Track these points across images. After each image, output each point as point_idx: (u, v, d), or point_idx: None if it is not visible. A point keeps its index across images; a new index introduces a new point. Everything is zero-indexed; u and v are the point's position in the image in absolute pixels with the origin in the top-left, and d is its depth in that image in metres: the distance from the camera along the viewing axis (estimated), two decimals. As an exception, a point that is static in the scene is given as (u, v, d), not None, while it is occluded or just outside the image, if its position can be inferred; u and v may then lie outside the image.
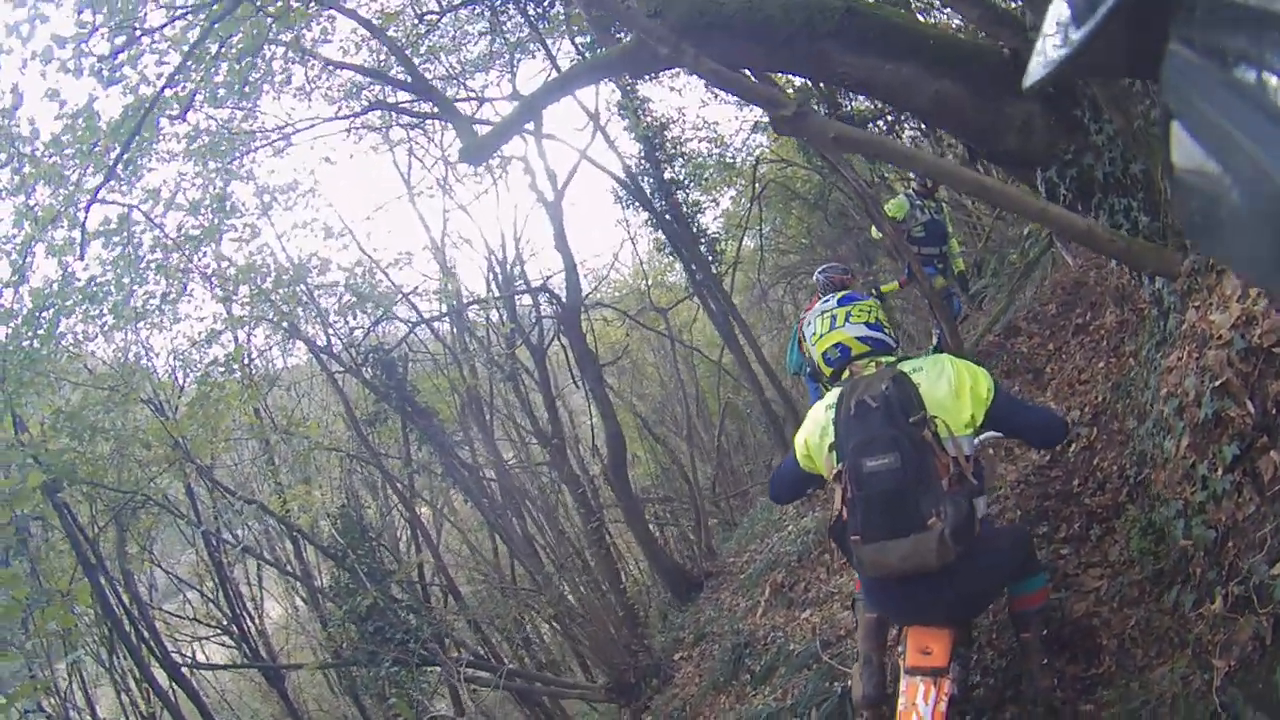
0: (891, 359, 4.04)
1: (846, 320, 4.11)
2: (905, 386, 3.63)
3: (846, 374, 4.04)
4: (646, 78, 14.04)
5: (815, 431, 3.96)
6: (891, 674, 4.30)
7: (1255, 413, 3.55)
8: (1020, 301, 10.78)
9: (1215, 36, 0.68)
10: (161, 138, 9.50)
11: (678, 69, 12.79)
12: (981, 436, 3.97)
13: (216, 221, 10.95)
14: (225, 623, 17.46)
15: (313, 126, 12.44)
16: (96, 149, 7.67)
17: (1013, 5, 6.70)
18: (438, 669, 10.38)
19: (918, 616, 3.79)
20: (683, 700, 8.57)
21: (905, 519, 3.48)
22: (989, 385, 3.80)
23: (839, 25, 5.96)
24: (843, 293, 4.49)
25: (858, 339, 4.05)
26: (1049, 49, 0.88)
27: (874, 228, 10.36)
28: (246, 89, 9.09)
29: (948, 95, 5.87)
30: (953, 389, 3.71)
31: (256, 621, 18.58)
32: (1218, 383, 3.76)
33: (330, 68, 11.98)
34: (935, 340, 10.13)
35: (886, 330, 4.15)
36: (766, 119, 18.35)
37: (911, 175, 10.56)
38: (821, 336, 4.15)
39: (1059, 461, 6.71)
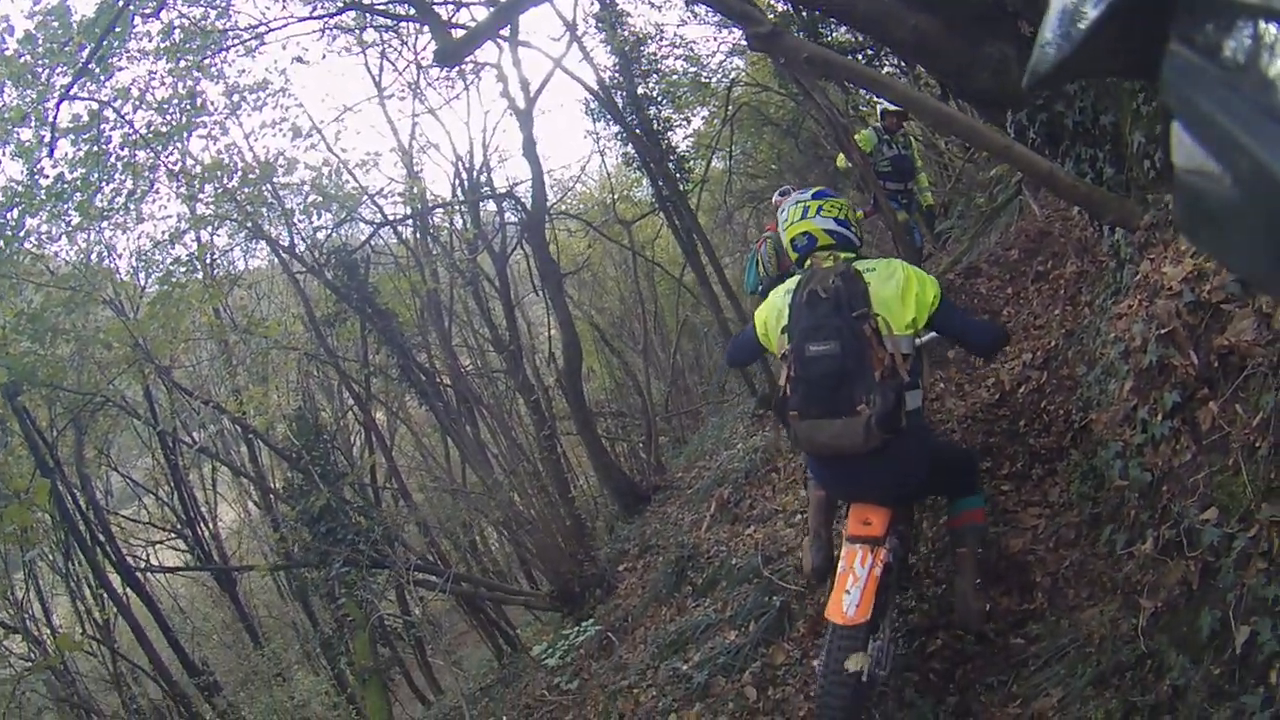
0: (852, 255, 4.30)
1: (818, 213, 4.38)
2: (855, 283, 3.93)
3: (809, 263, 4.32)
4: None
5: (773, 314, 4.31)
6: (838, 548, 4.43)
7: (1198, 364, 3.66)
8: (984, 244, 10.84)
9: (1215, 36, 0.68)
10: (134, 35, 9.28)
11: None
12: (924, 337, 4.36)
13: (185, 119, 10.78)
14: (180, 527, 17.48)
15: (286, 26, 12.14)
16: (68, 46, 7.50)
17: None
18: (386, 571, 10.50)
19: (857, 493, 4.17)
20: (625, 610, 8.74)
21: (838, 402, 3.85)
22: (936, 293, 4.12)
23: None
24: (819, 188, 4.76)
25: (824, 230, 4.33)
26: (1050, 48, 0.88)
27: (841, 156, 10.39)
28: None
29: (926, 29, 5.84)
30: (899, 291, 4.01)
31: (210, 526, 18.68)
32: (1164, 331, 3.86)
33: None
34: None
35: (853, 229, 4.42)
36: (744, 42, 18.19)
37: (879, 111, 10.52)
38: (792, 224, 4.42)
39: (1007, 401, 6.85)
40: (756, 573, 6.75)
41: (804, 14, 13.17)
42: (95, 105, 9.19)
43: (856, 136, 9.85)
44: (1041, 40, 0.90)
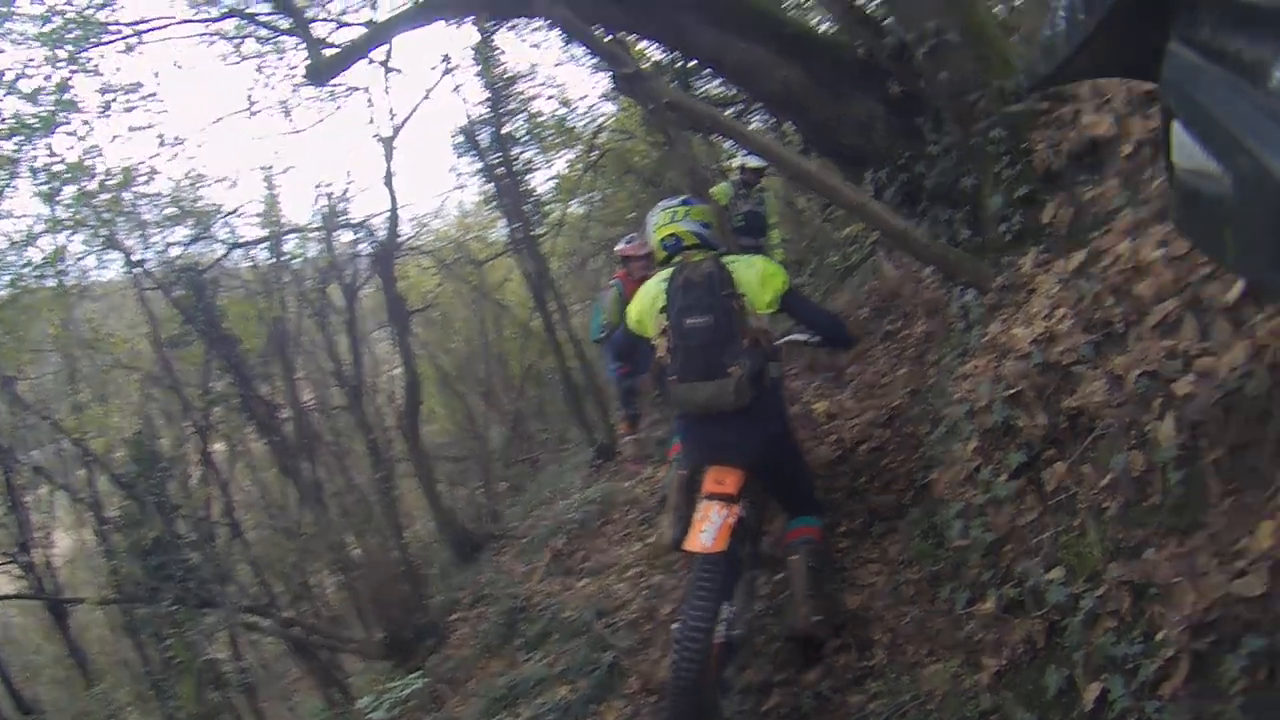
0: (715, 254, 4.91)
1: (685, 217, 4.96)
2: (723, 270, 4.62)
3: (679, 258, 4.87)
4: (506, 24, 13.72)
5: (648, 300, 4.89)
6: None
7: (1046, 424, 3.68)
8: (834, 303, 11.06)
9: (1215, 36, 0.67)
10: (16, 18, 8.67)
11: (536, 18, 12.62)
12: (788, 337, 5.33)
13: (54, 112, 10.18)
14: (14, 551, 16.14)
15: (168, 26, 11.64)
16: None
17: (872, 8, 6.77)
18: (216, 611, 9.92)
19: (719, 453, 4.68)
20: (457, 661, 8.42)
21: (711, 367, 4.49)
22: (784, 280, 4.85)
23: None
24: (685, 196, 5.40)
25: (690, 232, 4.92)
26: (1051, 48, 0.87)
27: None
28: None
29: (795, 83, 5.95)
30: (759, 277, 4.73)
31: (45, 553, 17.28)
32: (1012, 392, 3.89)
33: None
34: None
35: (713, 232, 5.05)
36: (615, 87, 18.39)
37: (738, 167, 10.63)
38: (661, 226, 5.00)
39: (849, 458, 6.88)
40: (588, 627, 6.57)
41: (679, 65, 13.33)
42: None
43: (713, 190, 9.89)
44: (1042, 40, 0.89)
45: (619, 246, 9.47)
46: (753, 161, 10.14)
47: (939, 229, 5.67)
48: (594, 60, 16.63)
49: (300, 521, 14.43)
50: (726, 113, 13.38)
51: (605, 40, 5.65)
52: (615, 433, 10.41)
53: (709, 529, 4.41)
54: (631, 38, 8.36)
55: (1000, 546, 3.79)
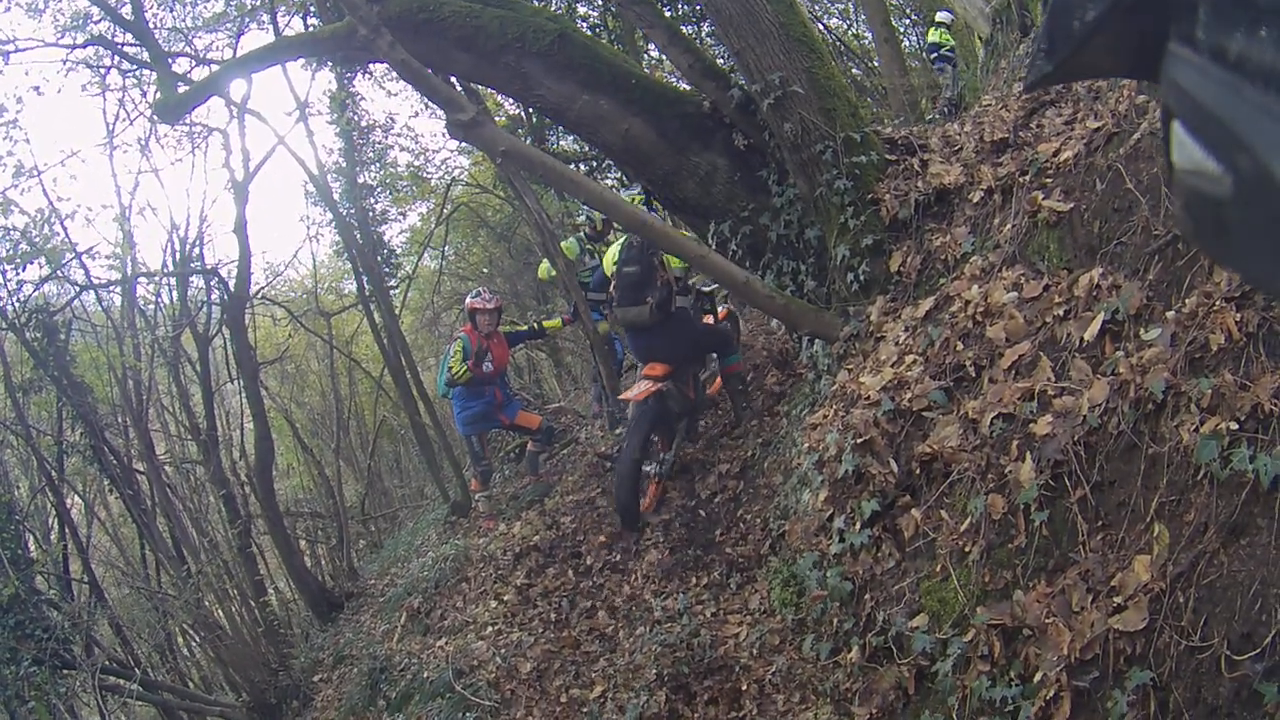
0: None
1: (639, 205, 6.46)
2: (650, 245, 6.48)
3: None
4: (363, 71, 13.46)
5: (611, 252, 7.23)
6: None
7: (898, 471, 3.61)
8: (683, 356, 11.05)
9: (1215, 36, 0.64)
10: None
11: (377, 61, 12.42)
12: (697, 284, 7.67)
13: None
14: None
15: (31, 50, 11.01)
16: None
17: (721, 61, 6.83)
18: (77, 674, 9.10)
19: (649, 354, 7.08)
20: (321, 724, 7.94)
21: (636, 298, 6.82)
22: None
23: (548, 47, 5.93)
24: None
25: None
26: (1050, 49, 0.84)
27: (543, 265, 10.29)
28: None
29: (638, 135, 5.91)
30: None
31: None
32: (861, 440, 3.81)
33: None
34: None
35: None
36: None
37: (584, 221, 10.54)
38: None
39: (704, 508, 6.81)
40: (449, 688, 6.22)
41: (534, 119, 13.24)
42: None
43: (563, 244, 9.79)
44: (1041, 41, 0.84)
45: (469, 300, 9.20)
46: (599, 214, 10.08)
47: (785, 280, 5.68)
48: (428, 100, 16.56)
49: (159, 581, 13.54)
50: (580, 168, 13.47)
51: (439, 84, 5.46)
52: (469, 489, 10.07)
53: (637, 390, 6.88)
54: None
55: (860, 595, 3.68)
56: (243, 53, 10.60)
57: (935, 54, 13.32)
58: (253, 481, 12.06)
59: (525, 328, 10.36)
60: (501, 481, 10.10)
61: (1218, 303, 2.50)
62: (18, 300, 11.50)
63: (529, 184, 9.95)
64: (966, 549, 3.01)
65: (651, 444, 7.08)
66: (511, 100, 8.26)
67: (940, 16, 13.64)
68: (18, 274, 11.66)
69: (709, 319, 8.04)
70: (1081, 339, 2.92)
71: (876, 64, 14.94)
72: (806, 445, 4.46)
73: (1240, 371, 2.37)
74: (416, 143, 17.52)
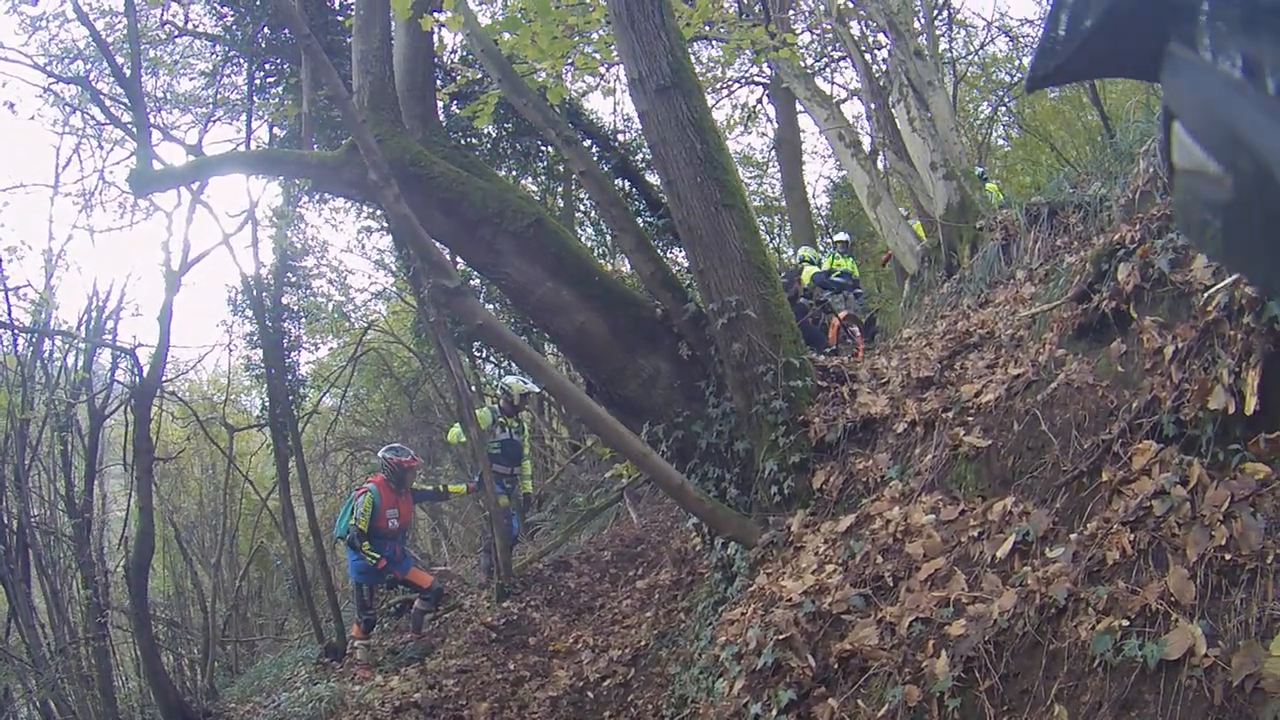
0: None
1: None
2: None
3: None
4: (313, 196, 14.04)
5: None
6: None
7: (816, 665, 4.18)
8: (576, 542, 11.52)
9: (1215, 36, 0.70)
10: None
11: (362, 202, 13.04)
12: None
13: None
14: None
15: (18, 62, 11.36)
16: None
17: (682, 275, 7.58)
18: None
19: None
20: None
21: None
22: None
23: (524, 229, 6.56)
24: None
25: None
26: (1050, 50, 0.89)
27: (455, 430, 10.67)
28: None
29: (592, 330, 6.51)
30: None
31: None
32: (783, 636, 4.37)
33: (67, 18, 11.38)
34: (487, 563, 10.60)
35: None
36: (392, 287, 19.06)
37: (500, 393, 11.06)
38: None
39: (594, 689, 7.15)
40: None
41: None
42: None
43: (477, 413, 10.22)
44: (1041, 42, 0.90)
45: (394, 456, 9.56)
46: (522, 386, 10.62)
47: (709, 486, 6.24)
48: (380, 255, 17.21)
49: (7, 639, 12.77)
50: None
51: (436, 247, 5.93)
52: (348, 634, 10.09)
53: None
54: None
55: (772, 780, 4.14)
56: (225, 152, 11.17)
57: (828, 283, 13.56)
58: (127, 574, 11.73)
59: (431, 488, 10.68)
60: (380, 634, 10.18)
61: (1115, 525, 3.22)
62: None
63: (455, 349, 10.53)
64: (882, 733, 3.58)
65: None
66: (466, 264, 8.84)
67: (839, 237, 14.57)
68: None
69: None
70: (994, 556, 3.61)
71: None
72: (724, 639, 4.95)
73: (1132, 580, 3.06)
74: (341, 277, 18.00)
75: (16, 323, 12.40)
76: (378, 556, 9.15)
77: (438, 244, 6.19)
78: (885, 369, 6.02)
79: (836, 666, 4.06)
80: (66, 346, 13.58)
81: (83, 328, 13.45)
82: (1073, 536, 3.41)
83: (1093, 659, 2.94)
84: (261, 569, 19.00)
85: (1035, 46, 0.92)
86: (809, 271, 12.70)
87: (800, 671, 4.21)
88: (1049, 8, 0.90)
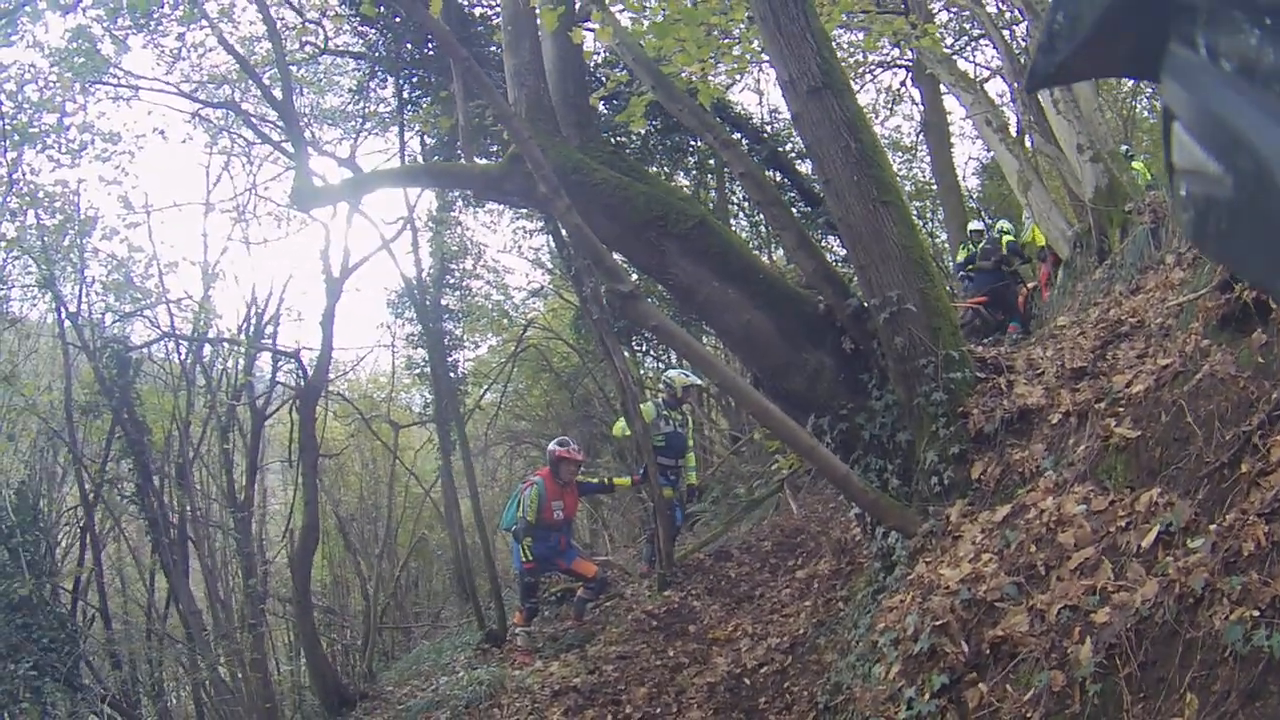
0: None
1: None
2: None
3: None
4: (465, 200, 14.76)
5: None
6: None
7: (968, 651, 4.38)
8: (736, 532, 11.82)
9: (1215, 36, 0.70)
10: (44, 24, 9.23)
11: (523, 208, 13.67)
12: None
13: (42, 129, 10.59)
14: None
15: (166, 91, 12.40)
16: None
17: (843, 268, 7.71)
18: (74, 692, 9.59)
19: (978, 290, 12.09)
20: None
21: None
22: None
23: (689, 231, 6.83)
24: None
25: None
26: (1051, 49, 0.91)
27: (620, 424, 11.13)
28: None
29: (758, 327, 6.72)
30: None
31: None
32: (938, 623, 4.59)
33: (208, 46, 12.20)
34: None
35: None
36: (549, 285, 19.80)
37: (663, 386, 11.37)
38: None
39: (751, 676, 7.43)
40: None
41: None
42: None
43: (641, 407, 10.58)
44: (1041, 41, 0.92)
45: (558, 448, 10.02)
46: (684, 379, 10.97)
47: (871, 476, 6.41)
48: (536, 254, 17.92)
49: (165, 624, 13.97)
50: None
51: (608, 253, 6.27)
52: (509, 621, 10.67)
53: None
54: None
55: (923, 758, 4.37)
56: (386, 168, 11.89)
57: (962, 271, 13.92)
58: (290, 563, 12.67)
59: (596, 481, 11.15)
60: (541, 621, 10.73)
61: (1251, 518, 3.36)
62: (92, 324, 12.54)
63: (619, 344, 10.94)
64: (1028, 715, 3.75)
65: None
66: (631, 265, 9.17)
67: (974, 225, 14.43)
68: (105, 302, 12.79)
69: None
70: (1139, 546, 3.76)
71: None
72: (882, 625, 5.19)
73: (1265, 571, 3.19)
74: (498, 277, 18.81)
75: (178, 331, 13.49)
76: (531, 557, 9.66)
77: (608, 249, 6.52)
78: (1040, 359, 6.11)
79: (988, 652, 4.26)
80: (228, 352, 14.64)
81: (243, 334, 14.51)
82: (1212, 527, 3.54)
83: (1224, 649, 3.09)
84: (420, 559, 19.98)
85: (1036, 45, 0.95)
86: (1007, 241, 12.91)
87: (954, 657, 4.43)
88: (1050, 7, 0.92)
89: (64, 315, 12.26)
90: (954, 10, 16.59)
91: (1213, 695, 3.05)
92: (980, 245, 13.05)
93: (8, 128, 10.12)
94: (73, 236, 11.70)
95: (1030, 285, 12.80)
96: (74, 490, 14.65)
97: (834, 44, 7.64)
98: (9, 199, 11.05)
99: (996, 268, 12.48)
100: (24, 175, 11.19)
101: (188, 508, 12.61)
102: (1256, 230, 0.69)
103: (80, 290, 12.42)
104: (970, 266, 13.31)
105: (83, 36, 9.98)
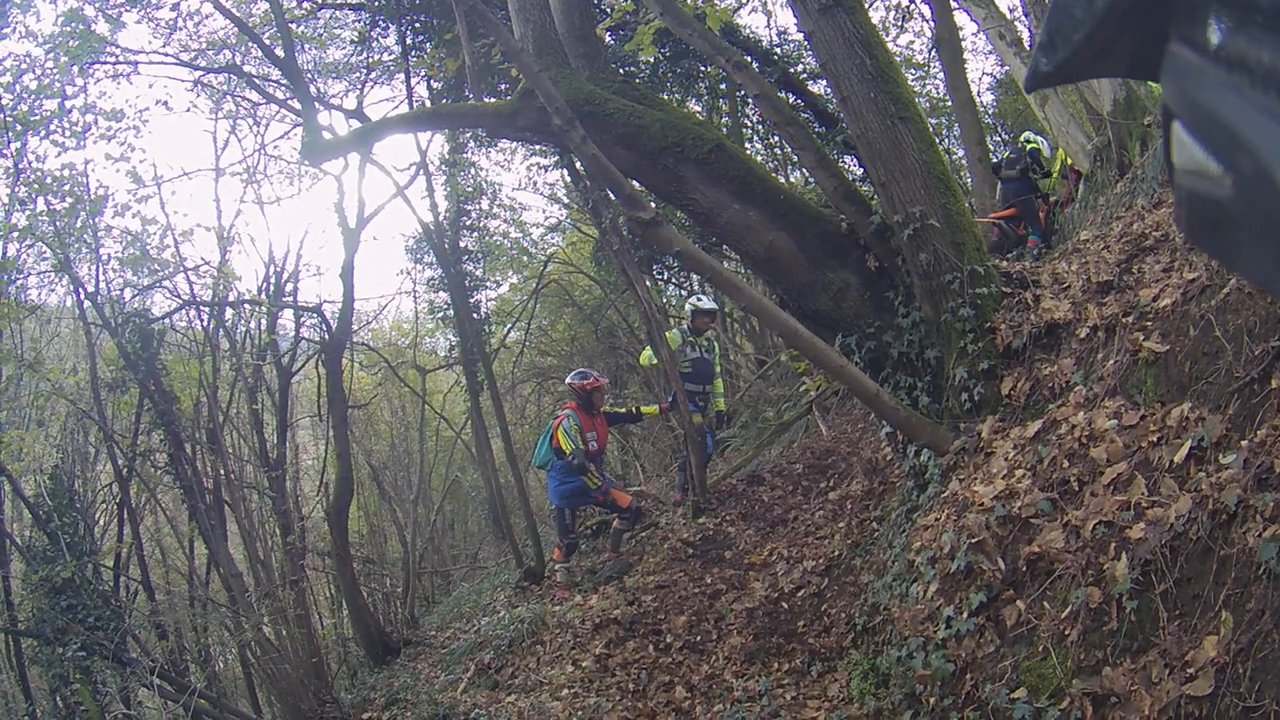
0: None
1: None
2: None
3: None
4: (476, 140, 14.68)
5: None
6: None
7: (1005, 569, 4.43)
8: (767, 456, 11.89)
9: (1215, 36, 0.70)
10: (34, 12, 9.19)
11: (537, 144, 13.55)
12: None
13: (43, 115, 10.63)
14: None
15: (165, 63, 12.35)
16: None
17: (863, 187, 7.63)
18: (123, 667, 9.86)
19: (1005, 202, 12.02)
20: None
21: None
22: None
23: (706, 155, 6.79)
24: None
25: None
26: (1051, 49, 0.91)
27: (645, 353, 11.12)
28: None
29: (780, 248, 6.72)
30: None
31: None
32: (974, 540, 4.63)
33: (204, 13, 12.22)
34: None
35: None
36: (566, 219, 19.79)
37: (687, 313, 11.38)
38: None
39: (789, 600, 7.54)
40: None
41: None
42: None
43: (666, 334, 10.60)
44: (1041, 40, 0.92)
45: (580, 380, 10.08)
46: (705, 304, 10.98)
47: (901, 395, 6.44)
48: (551, 190, 17.86)
49: (207, 589, 14.29)
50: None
51: (627, 181, 6.22)
52: (547, 558, 10.83)
53: None
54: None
55: (961, 675, 4.44)
56: (395, 114, 11.81)
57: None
58: (327, 516, 12.89)
59: (624, 410, 11.22)
60: (578, 555, 10.89)
61: None
62: (111, 301, 12.62)
63: (640, 274, 10.93)
64: (1066, 632, 3.81)
65: None
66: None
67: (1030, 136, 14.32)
68: (123, 278, 12.87)
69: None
70: (1171, 461, 3.78)
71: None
72: (918, 544, 5.24)
73: None
74: (515, 215, 18.78)
75: (198, 298, 13.55)
76: (599, 480, 9.78)
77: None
78: (1066, 273, 6.06)
79: (1024, 569, 4.31)
80: (250, 313, 14.72)
81: (264, 294, 14.57)
82: (1244, 443, 3.54)
83: (1258, 567, 3.12)
84: (454, 502, 20.23)
85: (1037, 45, 0.95)
86: (1030, 149, 12.74)
87: (991, 574, 4.48)
88: (1050, 7, 0.92)
89: (83, 296, 12.34)
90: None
91: (1247, 614, 3.08)
92: (1005, 154, 12.91)
93: (8, 119, 10.04)
94: (84, 217, 11.67)
95: (1053, 199, 12.66)
96: (107, 468, 14.85)
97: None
98: (17, 188, 11.04)
99: (1022, 176, 12.35)
100: (29, 164, 11.18)
101: (221, 472, 12.76)
102: (1256, 230, 0.69)
103: (97, 269, 12.50)
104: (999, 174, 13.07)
105: (76, 19, 9.85)
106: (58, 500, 11.05)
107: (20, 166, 10.85)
